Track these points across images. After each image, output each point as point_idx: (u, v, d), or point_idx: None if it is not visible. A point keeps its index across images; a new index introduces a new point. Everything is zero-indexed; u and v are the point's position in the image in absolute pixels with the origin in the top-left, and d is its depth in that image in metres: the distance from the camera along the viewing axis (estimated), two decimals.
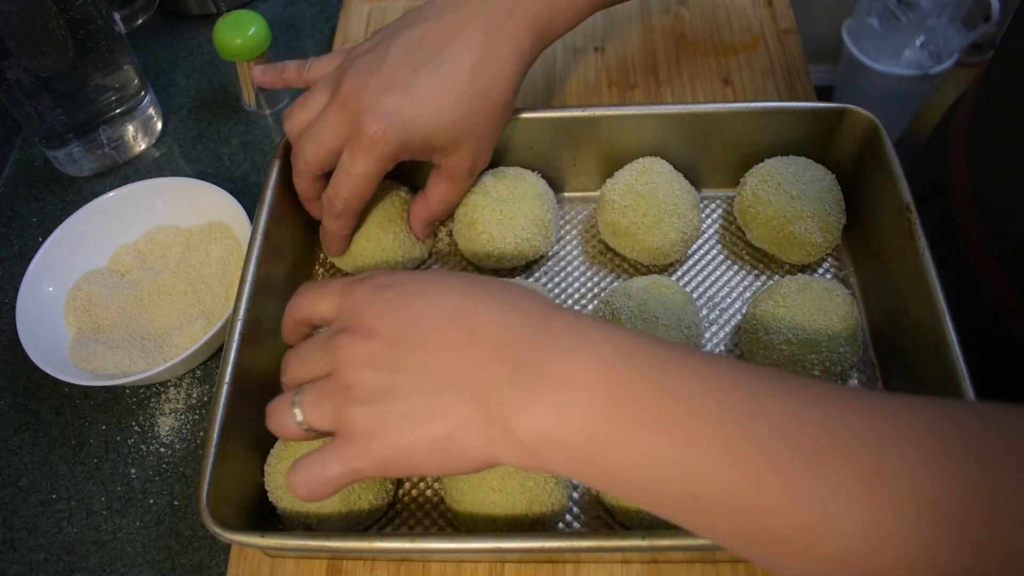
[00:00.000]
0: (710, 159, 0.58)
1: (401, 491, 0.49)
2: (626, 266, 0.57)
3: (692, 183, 0.56)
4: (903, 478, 0.28)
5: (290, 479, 0.36)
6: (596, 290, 0.57)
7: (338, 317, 0.37)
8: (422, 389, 0.33)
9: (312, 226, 0.57)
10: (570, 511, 0.47)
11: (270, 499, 0.46)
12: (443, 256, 0.59)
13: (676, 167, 0.56)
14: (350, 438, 0.34)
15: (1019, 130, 0.49)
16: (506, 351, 0.33)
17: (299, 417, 0.36)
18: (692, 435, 0.30)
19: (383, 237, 0.54)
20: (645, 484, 0.31)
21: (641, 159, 0.56)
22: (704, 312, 0.55)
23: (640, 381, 0.32)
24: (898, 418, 0.30)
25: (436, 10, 0.49)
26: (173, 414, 0.54)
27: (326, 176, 0.50)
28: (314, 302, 0.39)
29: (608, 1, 0.54)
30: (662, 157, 0.56)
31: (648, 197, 0.53)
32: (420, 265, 0.59)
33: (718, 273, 0.57)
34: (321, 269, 0.59)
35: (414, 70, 0.47)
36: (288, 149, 0.53)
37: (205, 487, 0.41)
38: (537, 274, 0.57)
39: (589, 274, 0.57)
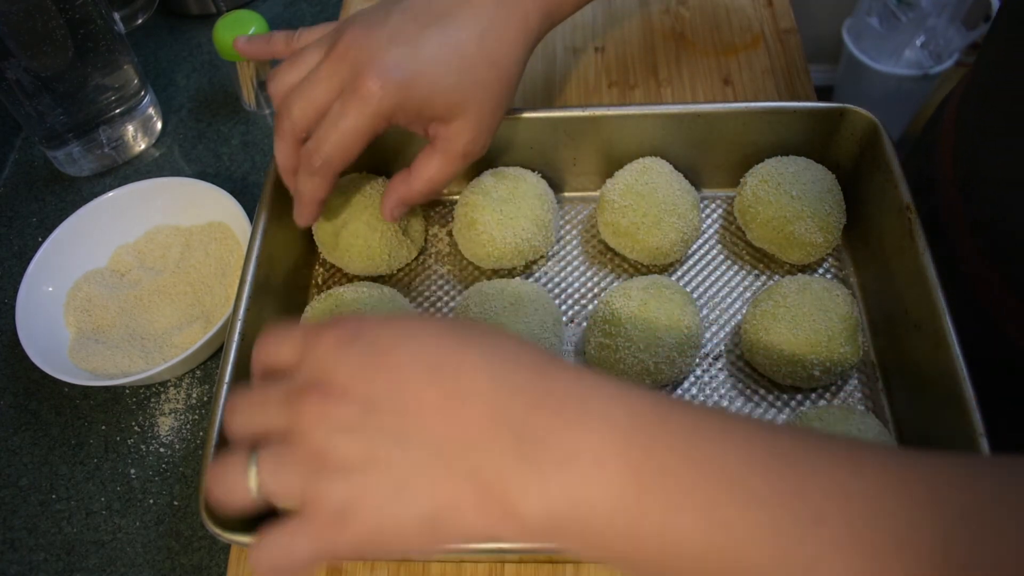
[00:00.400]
0: (710, 159, 0.58)
1: None
2: (626, 266, 0.57)
3: (692, 183, 0.56)
4: (971, 569, 0.26)
5: (252, 558, 0.30)
6: (596, 290, 0.57)
7: (301, 368, 0.32)
8: (404, 459, 0.29)
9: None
10: None
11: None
12: (443, 256, 0.59)
13: (676, 167, 0.56)
14: (322, 515, 0.29)
15: (1003, 127, 0.49)
16: (501, 414, 0.29)
17: (253, 484, 0.30)
18: (732, 517, 0.27)
19: (370, 236, 0.54)
20: (676, 570, 0.28)
21: (641, 159, 0.56)
22: (704, 312, 0.55)
23: (665, 453, 0.28)
24: (974, 490, 0.27)
25: None
26: (173, 414, 0.54)
27: None
28: (277, 347, 0.33)
29: None
30: (662, 157, 0.56)
31: (648, 197, 0.53)
32: (412, 265, 0.58)
33: (718, 273, 0.57)
34: (321, 269, 0.59)
35: (420, 28, 0.45)
36: None
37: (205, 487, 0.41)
38: (537, 274, 0.57)
39: (589, 274, 0.57)
